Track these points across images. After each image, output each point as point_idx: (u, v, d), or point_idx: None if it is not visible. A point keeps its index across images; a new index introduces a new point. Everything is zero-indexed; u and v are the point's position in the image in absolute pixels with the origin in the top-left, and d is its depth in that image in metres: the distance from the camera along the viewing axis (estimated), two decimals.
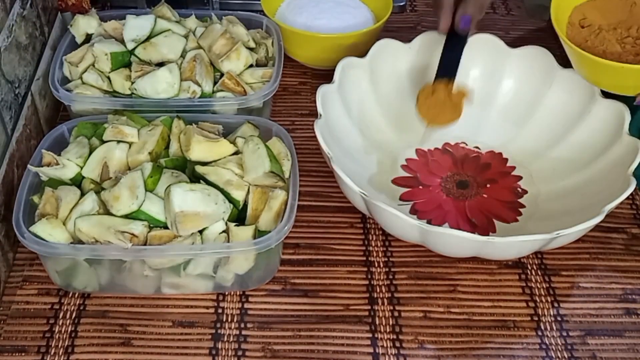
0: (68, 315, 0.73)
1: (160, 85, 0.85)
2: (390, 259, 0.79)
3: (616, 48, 0.77)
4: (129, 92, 0.87)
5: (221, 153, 0.76)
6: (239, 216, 0.74)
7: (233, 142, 0.77)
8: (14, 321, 0.72)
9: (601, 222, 0.71)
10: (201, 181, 0.73)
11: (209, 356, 0.70)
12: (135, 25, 0.89)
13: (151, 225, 0.70)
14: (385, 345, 0.71)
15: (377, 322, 0.73)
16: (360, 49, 0.91)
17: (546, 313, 0.75)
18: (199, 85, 0.87)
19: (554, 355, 0.71)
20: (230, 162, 0.75)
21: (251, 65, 0.91)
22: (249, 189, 0.73)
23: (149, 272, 0.72)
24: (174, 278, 0.73)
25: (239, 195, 0.73)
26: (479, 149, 0.91)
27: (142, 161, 0.75)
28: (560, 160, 0.87)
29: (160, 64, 0.87)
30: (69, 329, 0.72)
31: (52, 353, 0.70)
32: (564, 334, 0.73)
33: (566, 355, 0.71)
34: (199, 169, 0.74)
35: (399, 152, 0.90)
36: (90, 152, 0.76)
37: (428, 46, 0.91)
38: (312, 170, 0.88)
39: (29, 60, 0.86)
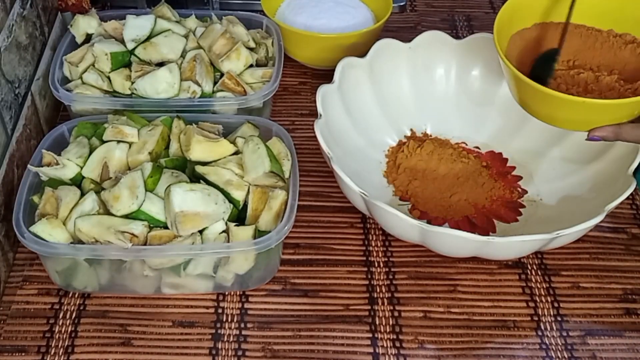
0: (68, 315, 0.73)
1: (160, 85, 0.85)
2: (390, 259, 0.79)
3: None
4: (129, 92, 0.87)
5: (221, 153, 0.76)
6: (239, 216, 0.74)
7: (233, 142, 0.77)
8: (14, 321, 0.72)
9: (601, 222, 0.71)
10: (201, 181, 0.73)
11: (209, 356, 0.70)
12: (135, 25, 0.89)
13: (151, 225, 0.70)
14: (385, 345, 0.71)
15: (377, 322, 0.73)
16: (360, 49, 0.91)
17: (546, 313, 0.75)
18: (199, 85, 0.87)
19: (554, 355, 0.71)
20: (230, 162, 0.75)
21: (251, 65, 0.91)
22: (249, 189, 0.73)
23: (149, 272, 0.72)
24: (174, 278, 0.73)
25: (239, 195, 0.73)
26: (479, 149, 0.91)
27: (142, 161, 0.75)
28: (560, 160, 0.86)
29: (160, 64, 0.87)
30: (69, 329, 0.72)
31: (52, 353, 0.70)
32: (564, 334, 0.73)
33: (566, 355, 0.71)
34: (199, 169, 0.74)
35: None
36: (90, 152, 0.76)
37: (428, 46, 0.91)
38: (312, 170, 0.88)
39: (29, 60, 0.86)
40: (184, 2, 1.05)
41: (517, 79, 0.72)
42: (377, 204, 0.71)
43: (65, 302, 0.74)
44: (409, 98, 0.92)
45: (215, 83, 0.89)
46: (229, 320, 0.73)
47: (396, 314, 0.74)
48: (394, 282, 0.77)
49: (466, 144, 0.91)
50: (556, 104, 0.70)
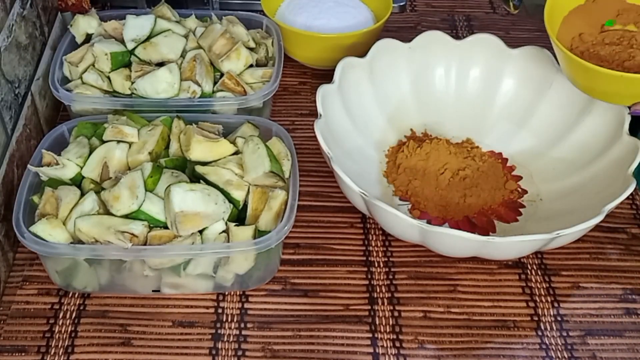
0: (68, 315, 0.73)
1: (160, 85, 0.85)
2: (390, 259, 0.79)
3: (608, 54, 0.76)
4: (129, 92, 0.87)
5: (221, 153, 0.76)
6: (239, 216, 0.74)
7: (233, 142, 0.77)
8: (14, 321, 0.72)
9: (601, 222, 0.71)
10: (201, 181, 0.73)
11: (209, 356, 0.70)
12: (135, 25, 0.89)
13: (151, 225, 0.70)
14: (385, 345, 0.71)
15: (377, 322, 0.73)
16: (360, 49, 0.91)
17: (546, 313, 0.75)
18: (199, 85, 0.87)
19: (554, 355, 0.71)
20: (230, 162, 0.75)
21: (251, 65, 0.91)
22: (249, 189, 0.73)
23: (149, 272, 0.72)
24: (174, 278, 0.73)
25: (239, 195, 0.73)
26: (479, 148, 0.91)
27: (142, 161, 0.75)
28: (560, 160, 0.86)
29: (160, 64, 0.87)
30: (69, 329, 0.72)
31: (52, 353, 0.70)
32: (564, 334, 0.73)
33: (566, 355, 0.71)
34: (199, 169, 0.74)
35: None
36: (90, 152, 0.76)
37: (428, 46, 0.91)
38: (312, 170, 0.88)
39: (29, 60, 0.86)
40: (184, 2, 1.05)
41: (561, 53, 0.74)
42: (377, 204, 0.71)
43: (65, 302, 0.74)
44: (409, 98, 0.92)
45: (215, 83, 0.89)
46: (229, 320, 0.73)
47: (396, 314, 0.74)
48: (394, 282, 0.77)
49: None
50: (597, 78, 0.73)
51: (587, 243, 0.81)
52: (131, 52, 0.89)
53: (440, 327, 0.73)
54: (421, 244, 0.76)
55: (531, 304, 0.76)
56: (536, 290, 0.77)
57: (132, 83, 0.86)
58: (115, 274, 0.73)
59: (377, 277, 0.78)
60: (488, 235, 0.74)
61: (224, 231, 0.71)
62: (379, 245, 0.81)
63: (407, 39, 0.91)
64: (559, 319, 0.74)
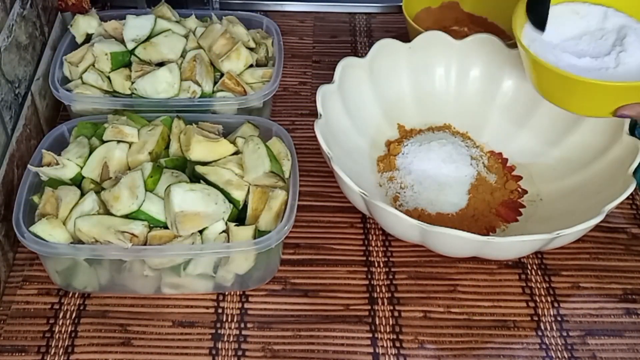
0: (68, 315, 0.73)
1: (160, 85, 0.85)
2: (390, 259, 0.79)
3: None
4: (129, 92, 0.87)
5: (221, 153, 0.76)
6: (239, 216, 0.74)
7: (233, 142, 0.77)
8: (14, 321, 0.72)
9: (601, 222, 0.71)
10: (201, 181, 0.73)
11: (209, 356, 0.70)
12: (135, 25, 0.89)
13: (151, 225, 0.70)
14: (385, 345, 0.71)
15: (377, 322, 0.73)
16: None
17: (546, 313, 0.75)
18: (199, 85, 0.87)
19: (554, 355, 0.71)
20: (230, 162, 0.75)
21: (251, 65, 0.91)
22: (249, 189, 0.73)
23: (149, 272, 0.72)
24: (174, 278, 0.73)
25: (239, 195, 0.73)
26: (479, 149, 0.91)
27: (142, 161, 0.75)
28: (560, 160, 0.86)
29: (160, 64, 0.87)
30: (69, 329, 0.72)
31: (52, 353, 0.70)
32: (564, 334, 0.73)
33: (566, 355, 0.71)
34: (199, 169, 0.74)
35: None
36: (90, 152, 0.76)
37: (428, 46, 0.91)
38: (312, 170, 0.88)
39: (29, 60, 0.86)
40: (184, 2, 1.05)
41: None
42: (377, 204, 0.71)
43: (65, 302, 0.74)
44: (409, 98, 0.92)
45: (215, 83, 0.89)
46: (229, 320, 0.73)
47: (396, 314, 0.74)
48: (394, 282, 0.77)
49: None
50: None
51: (587, 243, 0.81)
52: (131, 52, 0.89)
53: (440, 327, 0.73)
54: (421, 244, 0.76)
55: (531, 304, 0.76)
56: (536, 290, 0.77)
57: (132, 83, 0.86)
58: (115, 274, 0.73)
59: (377, 277, 0.78)
60: (488, 235, 0.74)
61: (224, 231, 0.71)
62: (379, 245, 0.81)
63: (407, 39, 0.91)
64: (559, 319, 0.74)
